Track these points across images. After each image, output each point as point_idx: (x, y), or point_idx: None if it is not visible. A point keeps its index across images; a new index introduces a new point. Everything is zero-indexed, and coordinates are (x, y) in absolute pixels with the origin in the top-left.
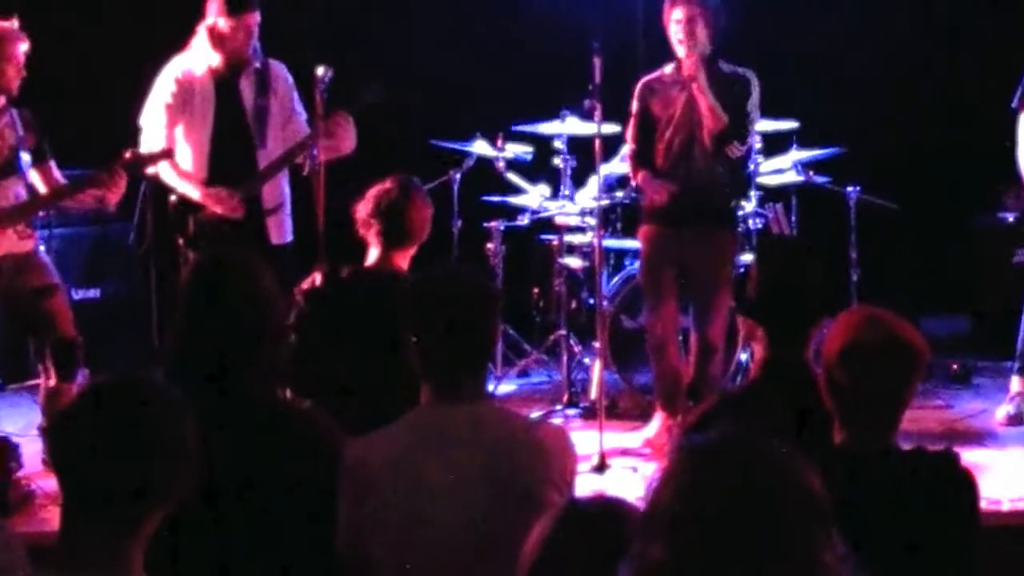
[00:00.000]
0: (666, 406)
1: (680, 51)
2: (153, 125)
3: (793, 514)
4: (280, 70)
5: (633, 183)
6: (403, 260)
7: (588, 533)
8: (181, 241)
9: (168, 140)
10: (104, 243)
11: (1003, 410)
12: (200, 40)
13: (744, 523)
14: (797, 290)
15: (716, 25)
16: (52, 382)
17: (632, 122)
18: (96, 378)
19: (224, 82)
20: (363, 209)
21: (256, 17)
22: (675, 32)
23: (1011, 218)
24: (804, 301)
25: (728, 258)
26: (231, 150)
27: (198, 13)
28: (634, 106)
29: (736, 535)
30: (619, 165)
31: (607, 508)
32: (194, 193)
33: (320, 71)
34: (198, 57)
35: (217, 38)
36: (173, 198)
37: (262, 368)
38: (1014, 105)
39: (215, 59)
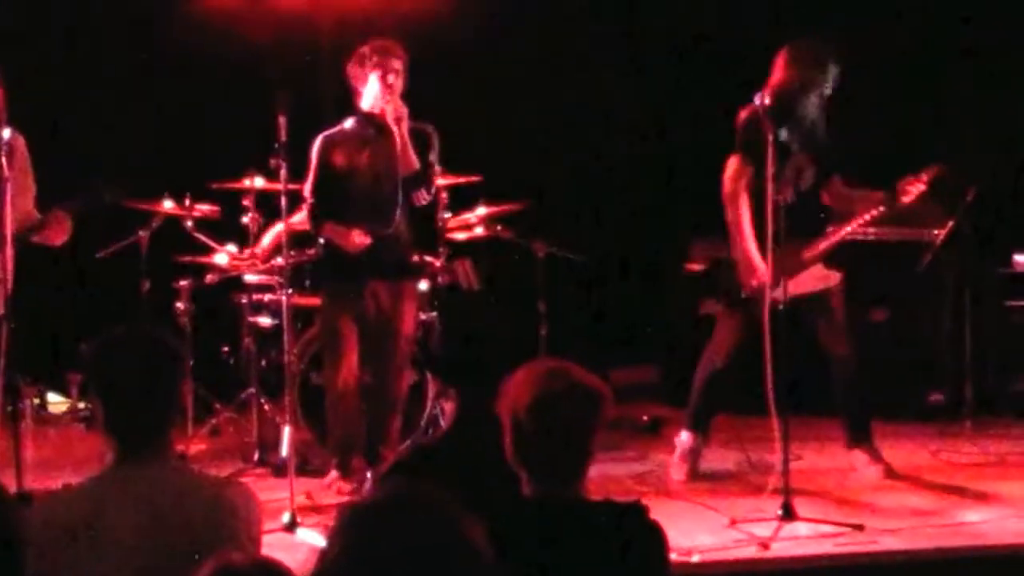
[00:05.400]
0: (340, 464)
1: (380, 103)
2: None
3: (453, 568)
4: (19, 142)
5: (319, 237)
6: None
7: None
8: None
9: None
10: None
11: (679, 470)
12: None
13: None
14: (481, 343)
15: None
16: None
17: (312, 177)
18: None
19: None
20: None
21: None
22: (380, 84)
23: (699, 268)
24: (489, 354)
25: (411, 312)
26: None
27: None
28: (314, 160)
29: None
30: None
31: (261, 570)
32: None
33: (7, 133)
34: None
35: None
36: None
37: None
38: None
39: None
